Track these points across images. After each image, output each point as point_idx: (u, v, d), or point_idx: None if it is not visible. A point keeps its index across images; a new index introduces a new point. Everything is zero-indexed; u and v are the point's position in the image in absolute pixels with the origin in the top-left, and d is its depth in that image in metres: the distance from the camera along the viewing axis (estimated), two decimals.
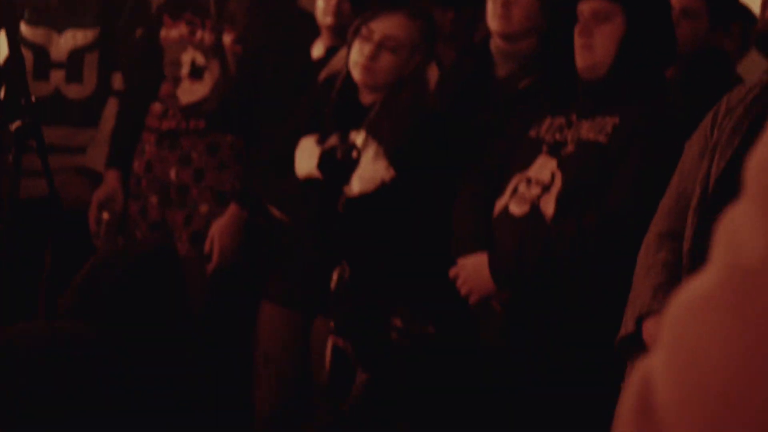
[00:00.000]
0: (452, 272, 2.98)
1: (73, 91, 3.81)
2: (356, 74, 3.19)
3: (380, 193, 3.14)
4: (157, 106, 3.57)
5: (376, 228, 3.16)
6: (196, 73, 3.51)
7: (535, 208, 2.87)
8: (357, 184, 3.16)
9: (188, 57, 3.52)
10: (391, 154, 3.13)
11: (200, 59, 3.51)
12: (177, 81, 3.53)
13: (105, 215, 3.59)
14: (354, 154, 3.17)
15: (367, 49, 3.15)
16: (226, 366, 3.52)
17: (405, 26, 3.17)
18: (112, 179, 3.63)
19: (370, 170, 3.14)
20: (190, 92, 3.51)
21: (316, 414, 3.33)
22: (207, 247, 3.44)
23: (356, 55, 3.19)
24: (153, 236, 3.50)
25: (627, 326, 2.48)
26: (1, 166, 3.83)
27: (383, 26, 3.16)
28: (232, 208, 3.45)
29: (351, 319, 3.14)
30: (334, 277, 3.16)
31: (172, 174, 3.52)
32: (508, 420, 2.95)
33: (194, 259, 3.43)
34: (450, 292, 3.11)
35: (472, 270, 2.93)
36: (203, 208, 3.49)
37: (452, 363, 3.16)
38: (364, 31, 3.17)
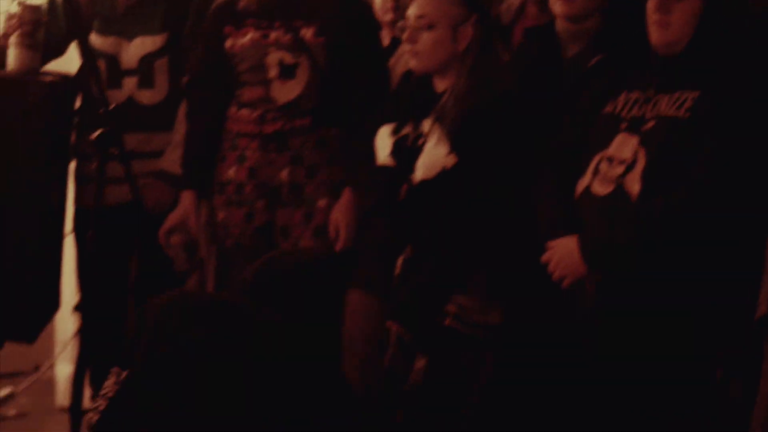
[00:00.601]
0: (545, 257, 3.00)
1: (146, 97, 3.88)
2: (410, 63, 3.25)
3: (441, 179, 3.15)
4: (245, 113, 3.59)
5: (437, 215, 3.17)
6: (287, 72, 3.54)
7: (619, 187, 2.87)
8: (420, 171, 3.19)
9: (274, 58, 3.54)
10: (452, 139, 3.15)
11: (288, 58, 3.54)
12: (266, 84, 3.55)
13: (173, 239, 3.65)
14: (420, 141, 3.20)
15: (406, 34, 3.21)
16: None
17: (433, 1, 3.19)
18: (187, 202, 3.66)
19: (431, 156, 3.17)
20: (285, 92, 3.55)
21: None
22: (331, 231, 3.49)
23: (404, 44, 3.26)
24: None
25: (761, 307, 2.50)
26: (83, 174, 3.93)
27: (414, 8, 3.21)
28: (347, 193, 3.50)
29: (407, 305, 3.18)
30: (399, 263, 3.21)
31: (284, 175, 3.55)
32: (591, 411, 2.96)
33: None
34: (520, 280, 3.13)
35: (563, 253, 2.94)
36: (321, 203, 3.53)
37: (521, 354, 3.17)
38: (405, 19, 3.24)
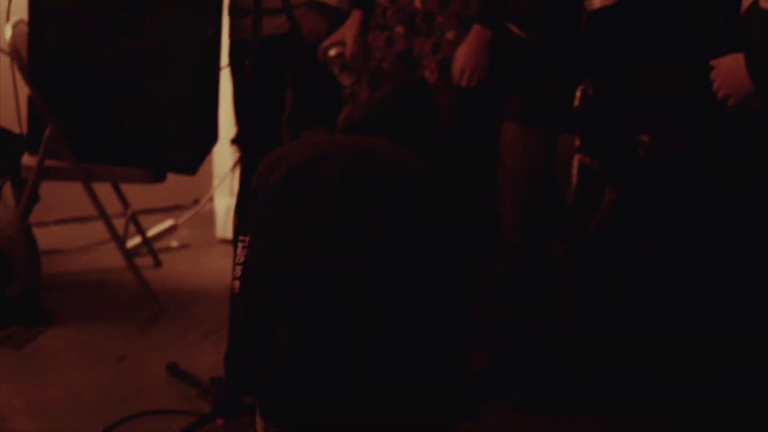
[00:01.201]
0: (711, 76, 2.92)
1: None
2: None
3: (621, 6, 3.07)
4: None
5: (619, 43, 3.09)
6: None
7: None
8: None
9: None
10: None
11: None
12: None
13: (331, 51, 3.64)
14: None
15: None
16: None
17: None
18: (350, 20, 3.66)
19: None
20: None
21: (563, 232, 3.37)
22: (454, 69, 3.46)
23: None
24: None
25: None
26: (237, 7, 3.95)
27: None
28: (476, 29, 3.45)
29: (597, 137, 3.12)
30: (578, 94, 3.14)
31: (417, 2, 3.52)
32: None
33: (443, 87, 3.46)
34: (701, 103, 3.05)
35: (729, 71, 2.87)
36: (450, 35, 3.49)
37: (706, 176, 3.10)
38: None
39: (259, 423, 2.49)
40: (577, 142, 3.10)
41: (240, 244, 2.66)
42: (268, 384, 2.34)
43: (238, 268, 2.63)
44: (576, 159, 3.09)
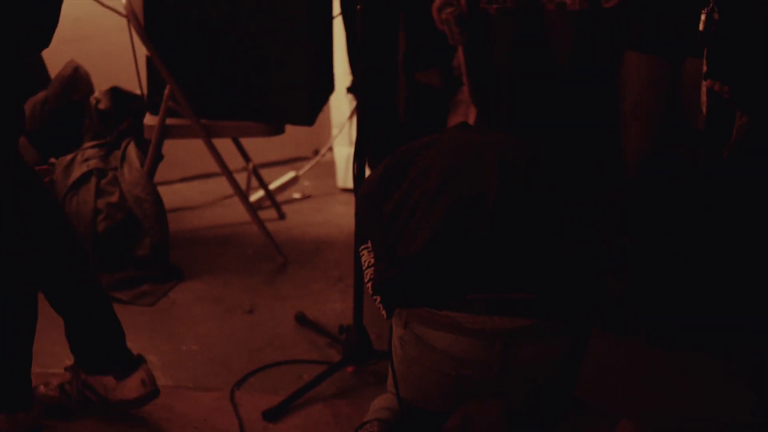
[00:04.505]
0: None
1: None
2: None
3: None
4: None
5: None
6: None
7: None
8: None
9: None
10: None
11: None
12: None
13: (445, 13, 3.59)
14: None
15: None
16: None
17: None
18: None
19: None
20: None
21: (689, 157, 3.29)
22: None
23: None
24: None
25: None
26: None
27: None
28: None
29: (726, 60, 3.00)
30: (702, 17, 3.03)
31: None
32: None
33: (563, 19, 3.39)
34: None
35: None
36: None
37: None
38: None
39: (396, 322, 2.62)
40: (704, 68, 3.00)
41: (365, 251, 2.67)
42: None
43: (369, 271, 2.64)
44: (704, 85, 2.99)
